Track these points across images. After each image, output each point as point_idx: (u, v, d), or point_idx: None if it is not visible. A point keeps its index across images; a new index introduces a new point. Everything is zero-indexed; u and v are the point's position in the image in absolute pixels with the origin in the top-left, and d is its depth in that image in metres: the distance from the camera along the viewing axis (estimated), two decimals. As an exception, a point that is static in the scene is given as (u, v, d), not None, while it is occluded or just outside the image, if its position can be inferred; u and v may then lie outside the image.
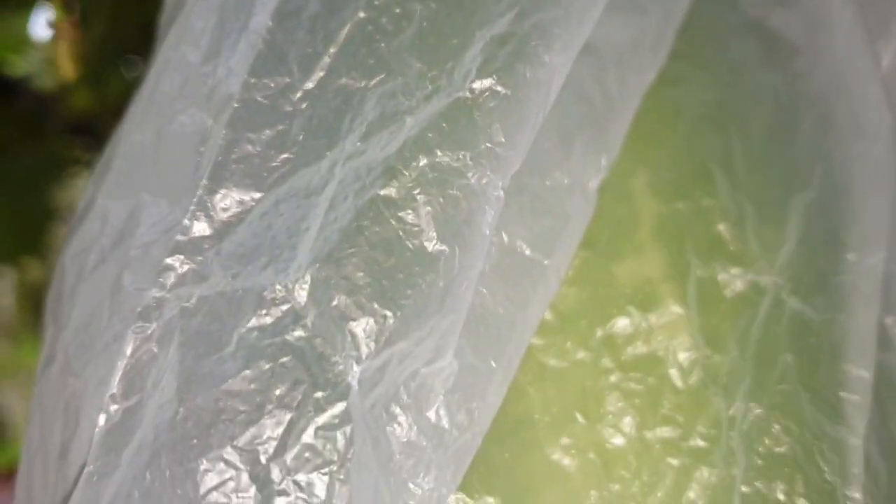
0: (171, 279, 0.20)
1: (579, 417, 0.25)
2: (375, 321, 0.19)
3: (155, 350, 0.20)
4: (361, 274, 0.20)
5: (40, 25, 0.47)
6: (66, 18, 0.41)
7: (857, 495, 0.22)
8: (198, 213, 0.21)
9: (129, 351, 0.20)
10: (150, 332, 0.20)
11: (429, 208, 0.20)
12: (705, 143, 0.27)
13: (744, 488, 0.23)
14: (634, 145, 0.28)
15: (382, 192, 0.20)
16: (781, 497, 0.23)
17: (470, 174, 0.21)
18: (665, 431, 0.24)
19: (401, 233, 0.20)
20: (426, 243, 0.20)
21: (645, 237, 0.27)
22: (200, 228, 0.21)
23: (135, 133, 0.24)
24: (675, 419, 0.25)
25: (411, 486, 0.20)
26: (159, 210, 0.21)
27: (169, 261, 0.20)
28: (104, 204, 0.22)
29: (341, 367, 0.19)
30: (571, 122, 0.25)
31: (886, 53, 0.30)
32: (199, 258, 0.20)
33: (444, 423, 0.20)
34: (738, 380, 0.25)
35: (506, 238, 0.23)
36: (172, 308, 0.20)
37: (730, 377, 0.25)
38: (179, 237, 0.20)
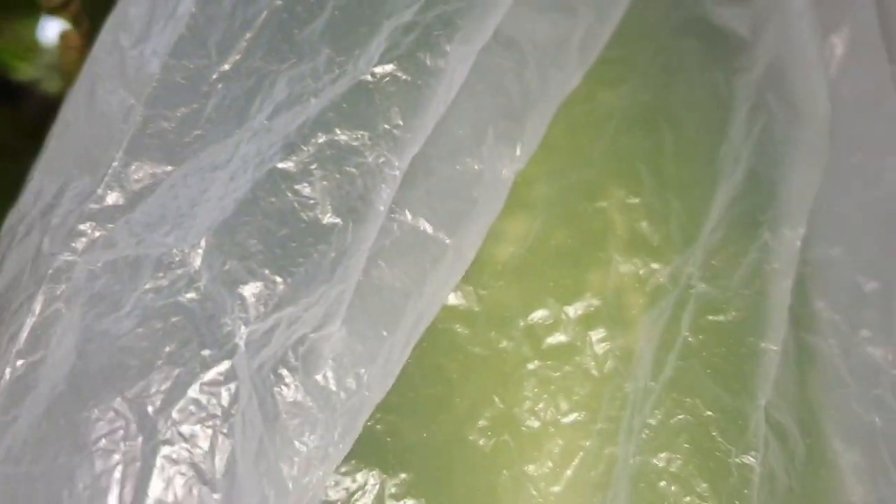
0: (82, 244, 0.21)
1: (497, 401, 0.26)
2: (265, 286, 0.21)
3: (62, 309, 0.21)
4: (255, 241, 0.21)
5: (47, 31, 0.49)
6: (76, 31, 0.42)
7: (752, 461, 0.23)
8: (111, 184, 0.22)
9: (38, 309, 0.21)
10: (59, 292, 0.21)
11: (325, 183, 0.21)
12: (635, 143, 0.28)
13: (640, 461, 0.24)
14: (563, 145, 0.29)
15: (280, 166, 0.21)
16: (675, 468, 0.24)
17: (367, 153, 0.22)
18: (576, 415, 0.25)
19: (296, 205, 0.21)
20: (320, 216, 0.21)
21: (569, 234, 0.28)
22: (113, 198, 0.22)
23: (70, 112, 0.25)
24: (586, 404, 0.25)
25: (297, 443, 0.21)
26: (82, 182, 0.23)
27: (81, 227, 0.22)
28: (39, 178, 0.24)
29: (229, 329, 0.20)
30: (486, 113, 0.26)
31: (839, 45, 0.31)
32: (111, 226, 0.22)
33: (332, 385, 0.22)
34: (642, 364, 0.26)
35: (409, 216, 0.24)
36: (81, 271, 0.21)
37: (636, 362, 0.26)
38: (92, 205, 0.22)
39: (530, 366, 0.26)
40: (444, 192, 0.25)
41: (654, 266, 0.26)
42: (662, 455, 0.23)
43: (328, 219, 0.21)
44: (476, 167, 0.25)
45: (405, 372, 0.24)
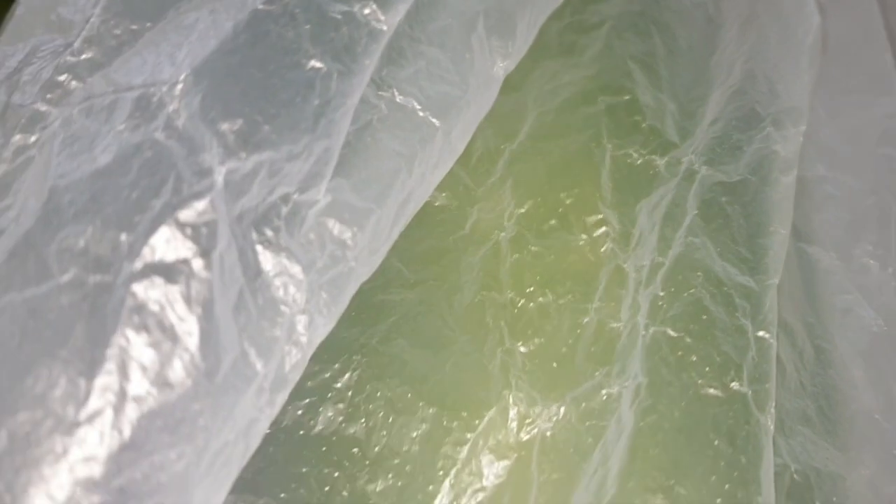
0: (57, 95, 0.21)
1: (489, 283, 0.25)
2: (245, 124, 0.20)
3: (35, 156, 0.20)
4: (235, 82, 0.20)
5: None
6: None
7: (768, 336, 0.22)
8: (90, 38, 0.21)
9: (8, 158, 0.20)
10: (31, 140, 0.20)
11: (308, 27, 0.21)
12: (628, 46, 0.28)
13: (654, 332, 0.23)
14: (556, 47, 0.28)
15: (262, 7, 0.21)
16: (692, 339, 0.23)
17: (353, 2, 0.21)
18: (574, 294, 0.24)
19: (278, 47, 0.21)
20: (303, 60, 0.21)
21: (562, 129, 0.27)
22: (91, 52, 0.21)
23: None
24: (583, 282, 0.25)
25: (281, 305, 0.20)
26: (54, 43, 0.22)
27: (58, 78, 0.21)
28: (2, 50, 0.23)
29: (208, 165, 0.19)
30: (474, 5, 0.26)
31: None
32: (89, 78, 0.21)
33: (317, 250, 0.21)
34: (643, 244, 0.25)
35: (397, 95, 0.23)
36: (55, 118, 0.20)
37: (637, 240, 0.25)
38: (69, 58, 0.21)
39: (524, 251, 0.25)
40: (434, 76, 0.24)
41: (650, 157, 0.26)
42: (678, 325, 0.22)
43: (312, 63, 0.20)
44: (466, 56, 0.25)
45: (401, 245, 0.23)
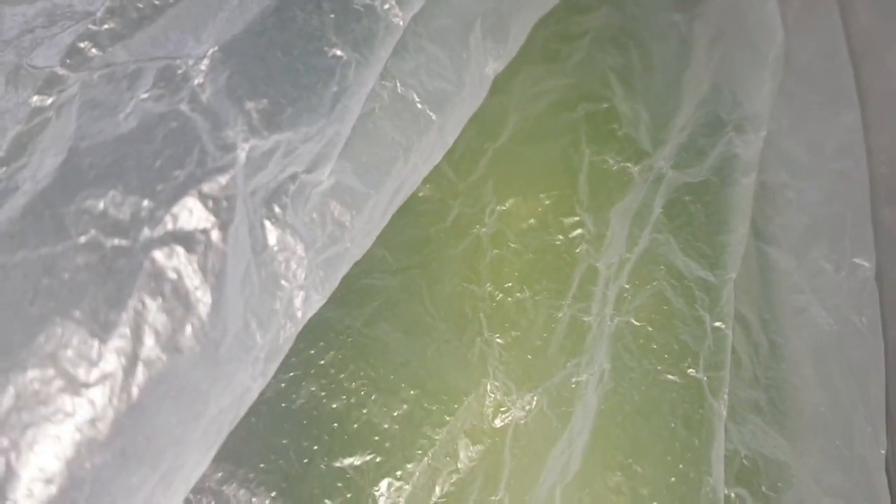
0: (77, 60, 0.21)
1: (469, 277, 0.26)
2: (270, 104, 0.21)
3: (52, 117, 0.20)
4: (261, 63, 0.21)
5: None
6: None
7: (724, 327, 0.24)
8: (112, 9, 0.22)
9: (24, 118, 0.20)
10: (49, 102, 0.20)
11: (332, 16, 0.22)
12: (607, 58, 0.30)
13: (618, 322, 0.25)
14: (540, 54, 0.30)
15: (288, -6, 0.21)
16: (653, 328, 0.24)
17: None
18: (549, 291, 0.26)
19: (303, 33, 0.21)
20: (325, 48, 0.22)
21: (543, 132, 0.29)
22: (114, 23, 0.22)
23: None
24: (558, 281, 0.26)
25: (282, 280, 0.21)
26: (74, 11, 0.22)
27: (79, 44, 0.21)
28: (14, 10, 0.23)
29: (231, 140, 0.20)
30: (474, 7, 0.27)
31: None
32: (110, 48, 0.21)
33: (318, 229, 0.22)
34: (614, 244, 0.26)
35: (399, 87, 0.24)
36: (74, 82, 0.21)
37: (607, 244, 0.27)
38: (91, 27, 0.21)
39: (504, 247, 0.26)
40: (433, 71, 0.25)
41: (625, 164, 0.28)
42: (641, 315, 0.24)
43: (334, 51, 0.21)
44: (463, 55, 0.26)
45: (385, 232, 0.24)
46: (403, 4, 0.22)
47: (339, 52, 0.21)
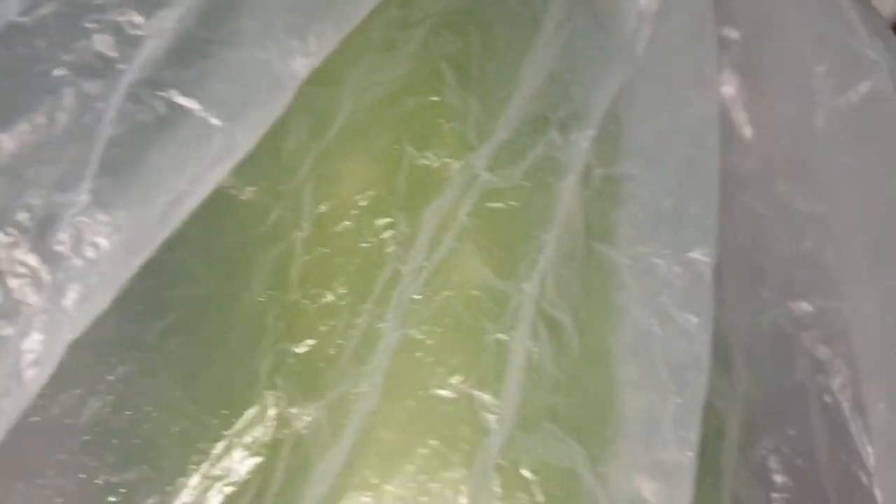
0: None
1: (273, 281, 0.26)
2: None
3: None
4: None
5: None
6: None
7: (506, 339, 0.23)
8: None
9: None
10: None
11: (59, 36, 0.22)
12: (443, 46, 0.28)
13: (401, 333, 0.24)
14: (377, 43, 0.29)
15: (17, 19, 0.22)
16: (433, 342, 0.23)
17: (109, 11, 0.22)
18: (354, 296, 0.25)
19: (29, 57, 0.21)
20: (52, 67, 0.21)
21: (367, 128, 0.28)
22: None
23: None
24: (361, 285, 0.25)
25: (22, 307, 0.21)
26: None
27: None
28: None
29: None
30: (278, 6, 0.26)
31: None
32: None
33: (67, 251, 0.22)
34: (420, 242, 0.25)
35: (178, 96, 0.24)
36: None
37: (419, 241, 0.25)
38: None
39: (315, 251, 0.25)
40: (222, 77, 0.25)
41: (447, 160, 0.26)
42: (423, 328, 0.23)
43: (56, 72, 0.21)
44: (262, 56, 0.25)
45: (189, 240, 0.23)
46: (149, 15, 0.22)
47: (64, 72, 0.21)
